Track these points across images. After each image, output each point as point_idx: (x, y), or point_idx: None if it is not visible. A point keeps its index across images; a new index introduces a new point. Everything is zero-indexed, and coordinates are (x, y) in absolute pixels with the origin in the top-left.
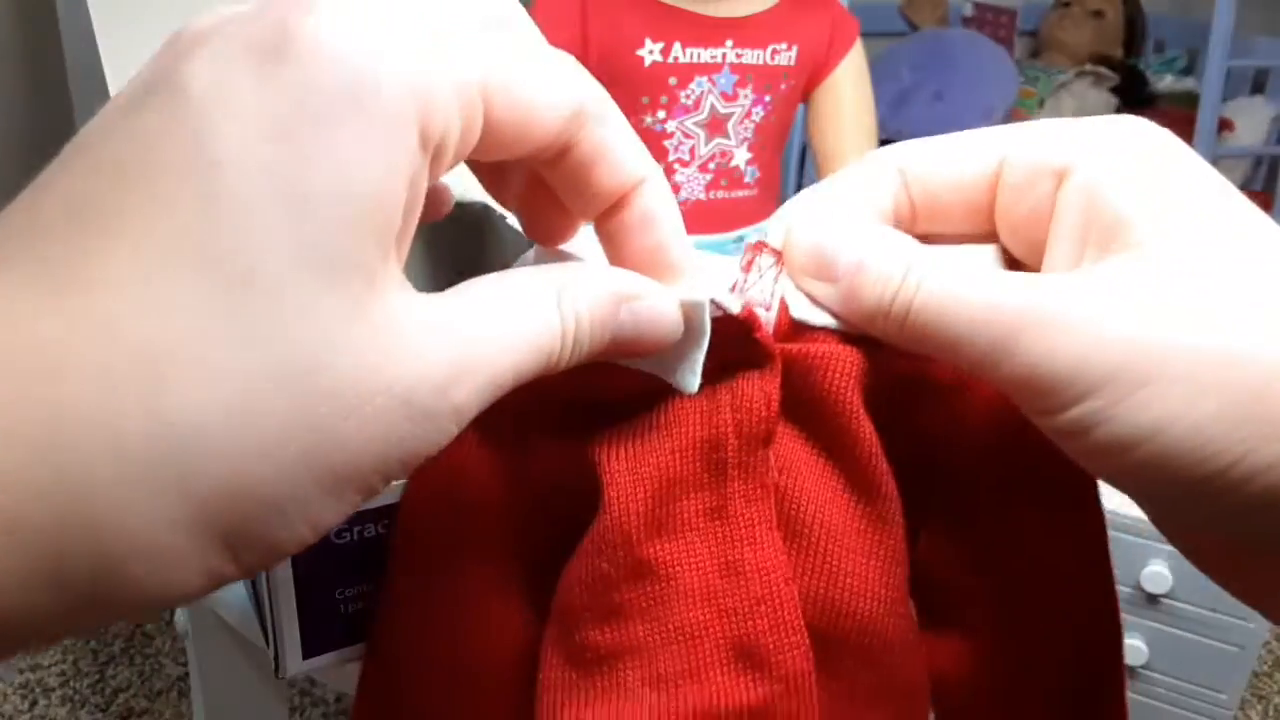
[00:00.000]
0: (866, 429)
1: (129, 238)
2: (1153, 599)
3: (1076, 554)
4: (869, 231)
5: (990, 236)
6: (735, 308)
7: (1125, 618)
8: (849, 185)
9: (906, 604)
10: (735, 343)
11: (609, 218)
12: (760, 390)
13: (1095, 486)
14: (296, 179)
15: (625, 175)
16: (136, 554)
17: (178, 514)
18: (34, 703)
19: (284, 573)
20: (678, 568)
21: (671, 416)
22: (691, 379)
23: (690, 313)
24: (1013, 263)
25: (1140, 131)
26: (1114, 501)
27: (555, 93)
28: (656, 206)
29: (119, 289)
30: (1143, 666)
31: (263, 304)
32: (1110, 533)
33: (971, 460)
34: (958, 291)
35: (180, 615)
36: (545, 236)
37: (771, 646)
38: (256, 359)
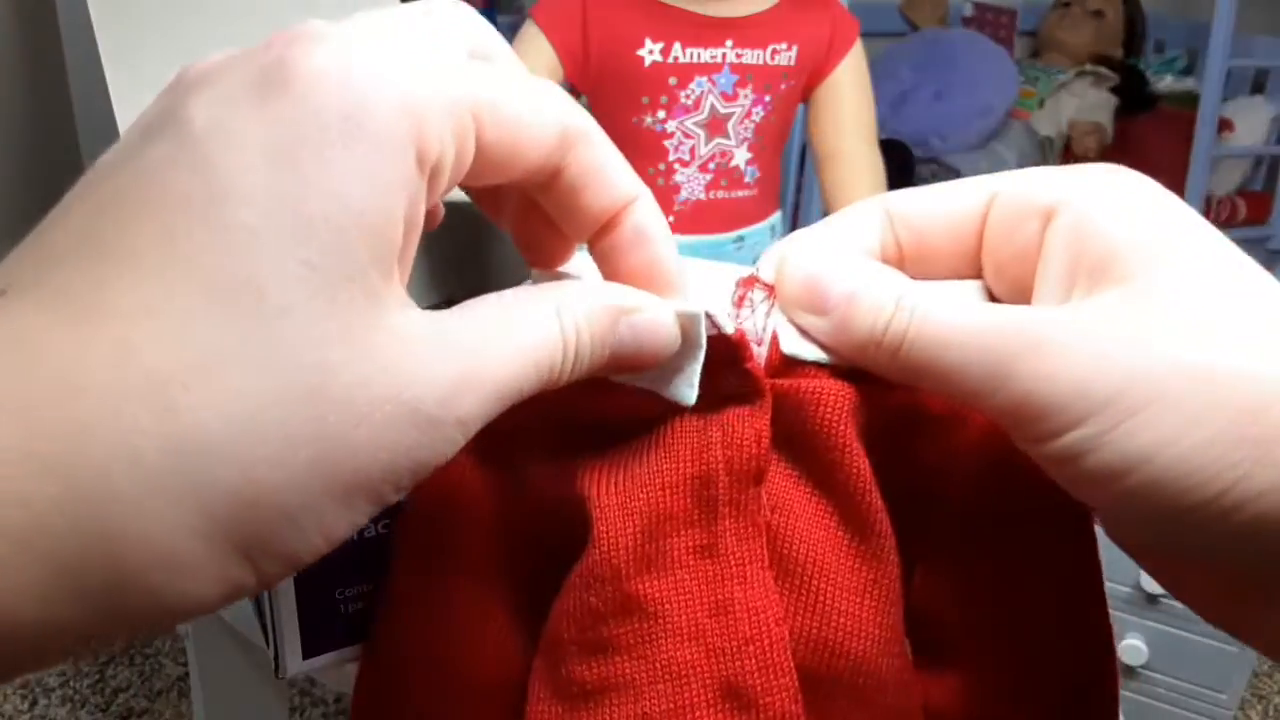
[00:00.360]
0: (860, 465)
1: (139, 267)
2: (1153, 599)
3: (1072, 586)
4: (861, 263)
5: (977, 279)
6: (729, 327)
7: (1125, 618)
8: (839, 226)
9: (901, 642)
10: (726, 369)
11: (602, 237)
12: (751, 427)
13: (1090, 518)
14: (299, 203)
15: (616, 195)
16: (154, 563)
17: (193, 522)
18: (34, 703)
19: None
20: (666, 605)
21: (662, 451)
22: (689, 391)
23: (686, 325)
24: (997, 303)
25: (1124, 173)
26: None
27: (542, 114)
28: (647, 223)
29: (131, 315)
30: (1143, 666)
31: (270, 323)
32: None
33: (966, 492)
34: (953, 319)
35: None
36: (542, 260)
37: (760, 688)
38: (265, 374)
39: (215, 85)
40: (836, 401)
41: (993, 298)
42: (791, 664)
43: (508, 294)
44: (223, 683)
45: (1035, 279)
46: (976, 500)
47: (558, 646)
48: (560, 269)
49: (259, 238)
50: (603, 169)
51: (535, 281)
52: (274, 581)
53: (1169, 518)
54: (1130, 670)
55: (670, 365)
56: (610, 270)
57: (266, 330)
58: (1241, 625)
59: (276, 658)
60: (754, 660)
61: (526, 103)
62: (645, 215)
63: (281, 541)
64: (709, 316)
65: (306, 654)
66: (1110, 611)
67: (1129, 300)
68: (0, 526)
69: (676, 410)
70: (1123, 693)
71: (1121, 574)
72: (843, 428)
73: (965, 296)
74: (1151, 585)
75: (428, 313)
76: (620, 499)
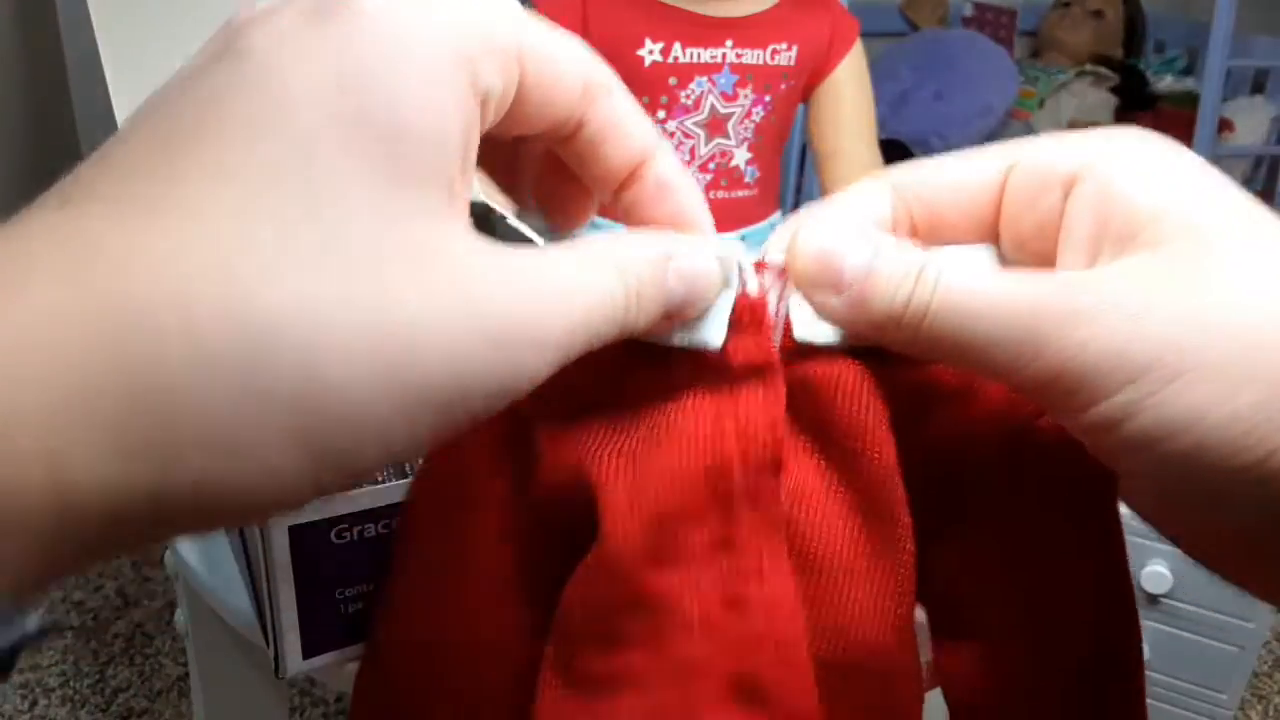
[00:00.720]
0: (885, 453)
1: (205, 176)
2: (1153, 599)
3: (1095, 557)
4: (876, 235)
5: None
6: (752, 284)
7: None
8: (848, 201)
9: (912, 630)
10: (743, 335)
11: (625, 191)
12: (766, 415)
13: (1113, 489)
14: (361, 115)
15: (637, 145)
16: (202, 434)
17: (248, 401)
18: (34, 703)
19: (284, 573)
20: (679, 599)
21: (675, 441)
22: (717, 334)
23: (722, 266)
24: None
25: (1145, 136)
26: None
27: (574, 63)
28: (670, 174)
29: (196, 213)
30: None
31: (336, 228)
32: None
33: (984, 468)
34: (979, 289)
35: (180, 615)
36: (564, 220)
37: (774, 683)
38: (331, 276)
39: (271, 18)
40: (856, 387)
41: (1007, 265)
42: (808, 661)
43: (566, 244)
44: (223, 683)
45: (1058, 248)
46: (995, 473)
47: (569, 637)
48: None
49: (324, 145)
50: (624, 121)
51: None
52: (327, 489)
53: (1207, 480)
54: None
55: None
56: (637, 223)
57: (332, 234)
58: (1257, 580)
59: (276, 658)
60: (769, 656)
61: (562, 49)
62: (667, 166)
63: (338, 441)
64: (739, 266)
65: (307, 654)
66: None
67: (1162, 264)
68: (59, 390)
69: (689, 393)
70: None
71: None
72: (865, 415)
73: (980, 264)
74: (1151, 585)
75: (494, 243)
76: (630, 491)
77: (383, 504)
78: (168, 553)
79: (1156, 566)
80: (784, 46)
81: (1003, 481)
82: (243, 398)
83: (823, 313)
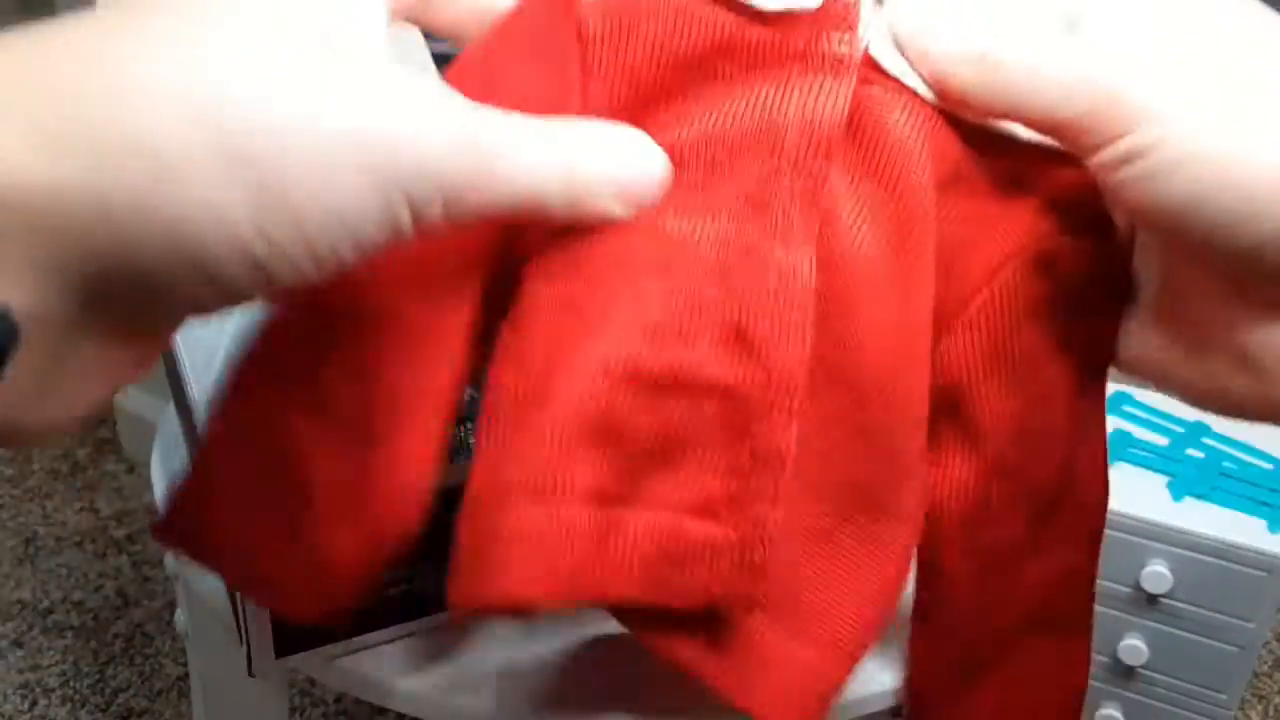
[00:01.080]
0: (922, 174)
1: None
2: (1153, 599)
3: (1083, 386)
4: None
5: None
6: None
7: (1125, 618)
8: None
9: (922, 370)
10: (831, 27)
11: None
12: (833, 97)
13: (1108, 362)
14: None
15: None
16: (132, 145)
17: (205, 142)
18: (34, 703)
19: None
20: (701, 240)
21: (735, 98)
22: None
23: None
24: None
25: None
26: (1114, 501)
27: None
28: None
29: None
30: (1143, 666)
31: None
32: (1110, 533)
33: (996, 261)
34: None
35: (180, 615)
36: None
37: (769, 337)
38: (293, 42)
39: None
40: (914, 113)
41: None
42: (809, 328)
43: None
44: (223, 683)
45: None
46: (1006, 271)
47: (565, 265)
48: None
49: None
50: None
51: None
52: (269, 255)
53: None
54: (1130, 670)
55: None
56: None
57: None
58: (1212, 344)
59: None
60: (774, 310)
61: None
62: None
63: (299, 208)
64: None
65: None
66: (1110, 612)
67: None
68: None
69: (766, 59)
70: (1123, 693)
71: (1121, 574)
72: (915, 140)
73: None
74: (1151, 585)
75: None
76: (679, 128)
77: None
78: (168, 553)
79: (1156, 566)
80: None
81: (1022, 282)
82: (195, 133)
83: (905, 45)
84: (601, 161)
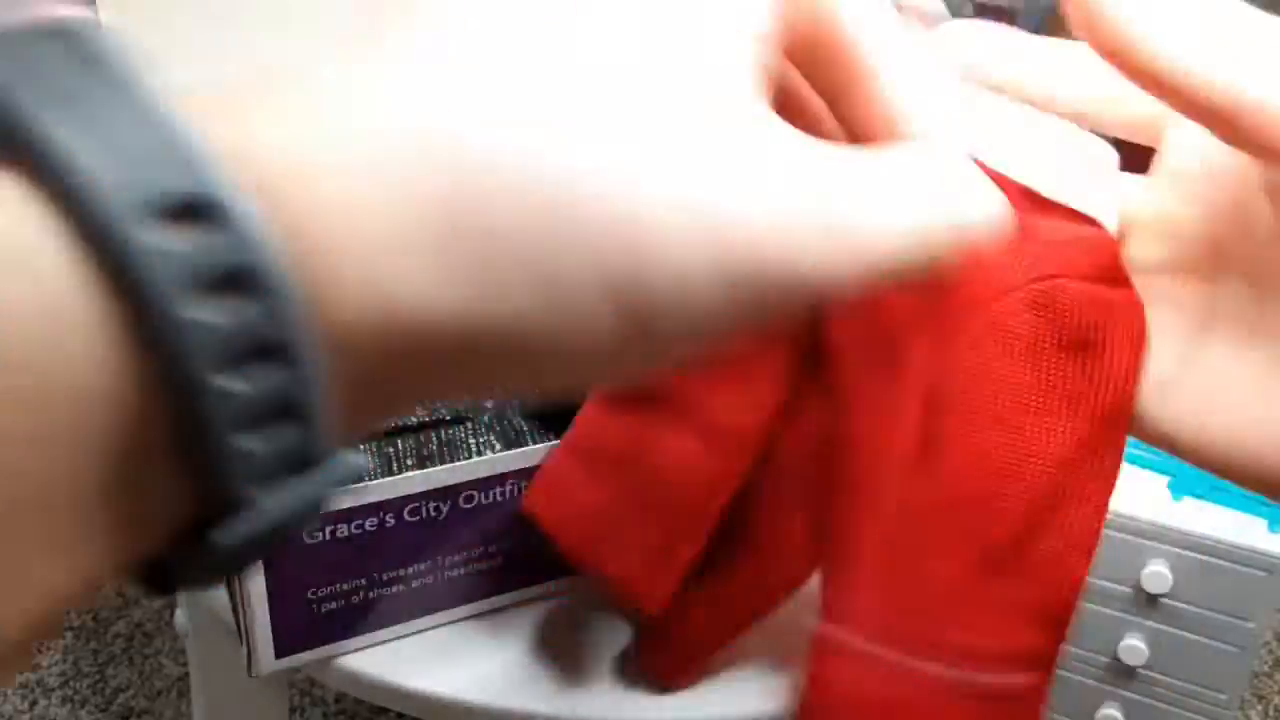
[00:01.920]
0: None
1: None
2: (1153, 599)
3: (1079, 449)
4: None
5: None
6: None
7: (1125, 618)
8: None
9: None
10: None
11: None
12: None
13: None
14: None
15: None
16: (522, 263)
17: (563, 240)
18: (34, 703)
19: (255, 571)
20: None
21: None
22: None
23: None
24: None
25: None
26: (1114, 501)
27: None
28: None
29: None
30: (1143, 666)
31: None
32: (1110, 533)
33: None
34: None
35: (180, 615)
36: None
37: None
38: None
39: None
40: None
41: None
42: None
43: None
44: (223, 683)
45: None
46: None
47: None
48: None
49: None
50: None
51: None
52: (629, 355)
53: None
54: (1130, 670)
55: None
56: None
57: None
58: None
59: (249, 656)
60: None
61: None
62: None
63: (653, 300)
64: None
65: (279, 653)
66: (1110, 612)
67: None
68: (381, 211)
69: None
70: (1123, 693)
71: (1121, 574)
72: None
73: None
74: (1151, 585)
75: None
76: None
77: (354, 504)
78: None
79: (1156, 566)
80: None
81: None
82: (559, 238)
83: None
84: (944, 203)
